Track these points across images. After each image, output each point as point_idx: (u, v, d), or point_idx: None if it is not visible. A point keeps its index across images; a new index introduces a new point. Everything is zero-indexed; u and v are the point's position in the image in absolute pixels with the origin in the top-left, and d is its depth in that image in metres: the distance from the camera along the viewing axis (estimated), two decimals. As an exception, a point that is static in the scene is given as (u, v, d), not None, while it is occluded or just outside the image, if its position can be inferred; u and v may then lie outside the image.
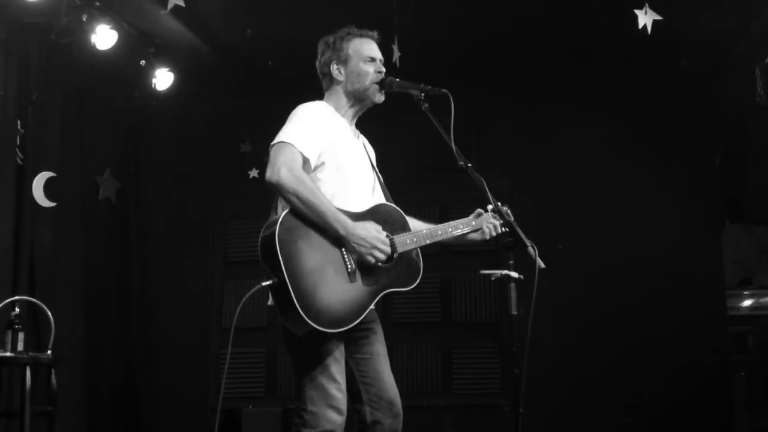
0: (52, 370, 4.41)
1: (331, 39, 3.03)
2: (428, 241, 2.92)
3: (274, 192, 2.76)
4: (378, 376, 2.86)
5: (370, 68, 2.97)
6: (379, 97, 2.98)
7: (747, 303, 6.62)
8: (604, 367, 5.78)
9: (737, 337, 6.39)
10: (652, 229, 5.94)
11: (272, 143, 2.76)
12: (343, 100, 2.99)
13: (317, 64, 3.05)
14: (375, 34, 3.06)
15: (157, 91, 6.02)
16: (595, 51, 5.79)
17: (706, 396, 5.75)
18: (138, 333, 6.24)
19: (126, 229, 6.33)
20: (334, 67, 2.99)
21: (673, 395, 5.72)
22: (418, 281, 2.90)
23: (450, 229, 3.00)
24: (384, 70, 3.00)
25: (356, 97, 2.99)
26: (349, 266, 2.71)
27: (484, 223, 3.02)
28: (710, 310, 5.93)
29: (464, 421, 5.95)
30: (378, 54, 3.02)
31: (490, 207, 2.96)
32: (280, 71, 6.04)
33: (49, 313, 4.37)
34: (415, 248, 2.89)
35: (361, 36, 3.02)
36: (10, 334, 4.27)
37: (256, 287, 2.67)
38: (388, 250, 2.75)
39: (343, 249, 2.72)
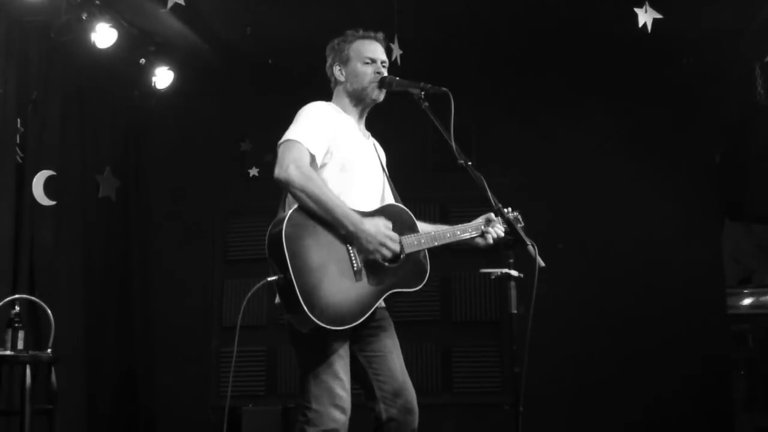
0: (52, 369, 4.40)
1: (335, 41, 3.07)
2: (436, 243, 2.93)
3: (282, 189, 2.78)
4: (391, 372, 2.87)
5: (369, 69, 2.99)
6: (378, 95, 3.00)
7: (747, 301, 6.62)
8: (603, 365, 5.78)
9: (737, 336, 6.39)
10: (652, 227, 5.94)
11: (279, 142, 2.78)
12: (346, 100, 3.02)
13: (326, 66, 3.08)
14: (380, 35, 3.07)
15: (157, 89, 6.02)
16: (596, 49, 5.78)
17: (706, 394, 5.75)
18: (138, 331, 6.23)
19: (126, 228, 6.32)
20: (336, 68, 3.03)
21: (673, 394, 5.72)
22: (424, 282, 2.91)
23: (458, 232, 3.01)
24: (383, 71, 3.01)
25: (356, 97, 3.01)
26: (355, 265, 2.72)
27: (491, 230, 3.02)
28: (710, 308, 5.93)
29: (464, 420, 5.96)
30: (379, 55, 3.03)
31: (508, 210, 2.98)
32: (280, 69, 6.04)
33: (49, 312, 4.37)
34: (423, 250, 2.90)
35: (363, 37, 3.04)
36: (10, 332, 4.25)
37: (261, 282, 2.68)
38: (397, 247, 2.77)
39: (350, 247, 2.73)
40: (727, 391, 5.94)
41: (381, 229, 2.74)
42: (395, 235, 2.77)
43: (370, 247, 2.72)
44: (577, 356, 5.79)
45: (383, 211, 2.88)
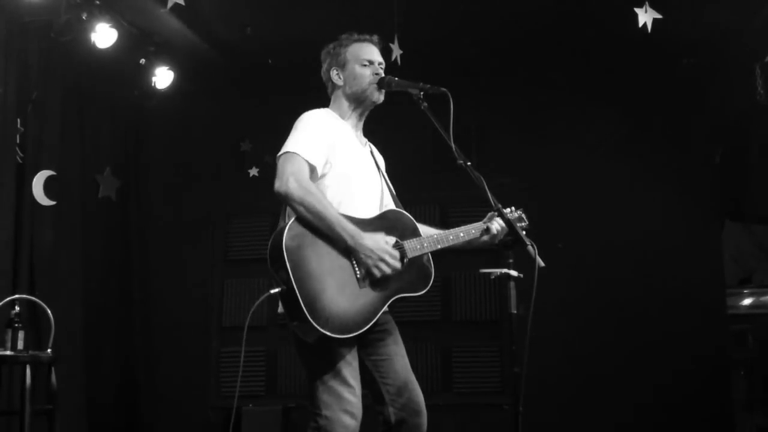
0: (52, 369, 4.40)
1: (330, 46, 3.06)
2: (439, 246, 2.92)
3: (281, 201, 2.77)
4: (397, 376, 2.87)
5: (367, 71, 2.98)
6: (378, 96, 2.99)
7: (747, 301, 6.61)
8: (603, 365, 5.78)
9: (737, 336, 6.39)
10: (652, 228, 5.93)
11: (279, 154, 2.77)
12: (345, 104, 3.01)
13: (322, 72, 3.07)
14: (375, 38, 3.07)
15: (157, 89, 6.02)
16: (596, 49, 5.78)
17: (706, 395, 5.75)
18: (138, 331, 6.24)
19: (126, 228, 6.32)
20: (333, 73, 3.02)
21: (673, 394, 5.72)
22: (429, 286, 2.90)
23: (462, 234, 2.99)
24: (381, 72, 3.00)
25: (356, 100, 3.00)
26: (358, 272, 2.71)
27: (493, 225, 3.02)
28: (710, 308, 5.93)
29: (464, 420, 5.95)
30: (376, 57, 3.02)
31: (507, 210, 2.97)
32: (280, 70, 6.04)
33: (49, 312, 4.36)
34: (426, 253, 2.90)
35: (359, 40, 3.03)
36: (10, 332, 4.25)
37: (265, 295, 2.68)
38: (397, 264, 2.75)
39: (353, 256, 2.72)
40: (727, 391, 5.93)
41: (381, 244, 2.73)
42: (395, 252, 2.77)
43: (369, 262, 2.70)
44: (577, 356, 5.78)
45: (384, 217, 2.88)
